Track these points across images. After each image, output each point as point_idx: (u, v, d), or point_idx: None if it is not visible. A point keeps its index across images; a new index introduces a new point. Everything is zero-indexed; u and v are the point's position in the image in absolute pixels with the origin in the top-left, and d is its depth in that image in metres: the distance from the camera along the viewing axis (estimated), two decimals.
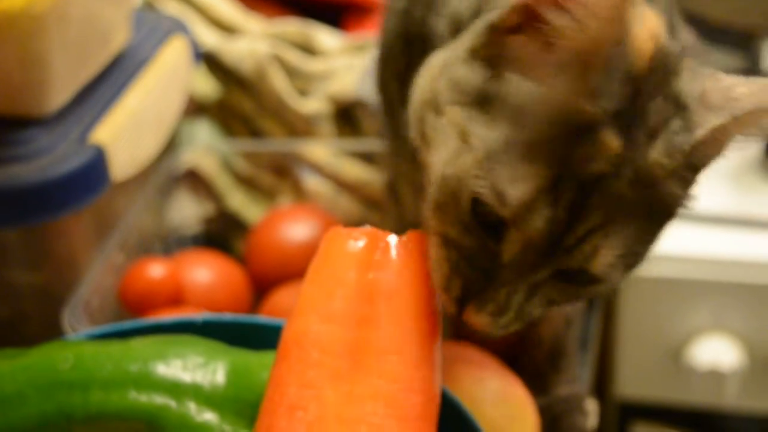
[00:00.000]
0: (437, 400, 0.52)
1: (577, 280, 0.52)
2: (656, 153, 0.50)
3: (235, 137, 1.00)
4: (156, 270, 0.81)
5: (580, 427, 0.75)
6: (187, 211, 0.95)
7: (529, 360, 0.75)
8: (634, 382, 1.12)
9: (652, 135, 0.50)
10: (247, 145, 0.98)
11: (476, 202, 0.50)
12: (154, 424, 0.56)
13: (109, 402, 0.55)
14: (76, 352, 0.57)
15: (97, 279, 0.78)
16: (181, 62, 0.90)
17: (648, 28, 0.51)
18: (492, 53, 0.52)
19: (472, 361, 0.69)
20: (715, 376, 1.02)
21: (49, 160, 0.74)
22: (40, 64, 0.74)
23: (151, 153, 0.85)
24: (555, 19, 0.49)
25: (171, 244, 0.92)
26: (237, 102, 0.98)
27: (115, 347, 0.58)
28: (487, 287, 0.51)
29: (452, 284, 0.52)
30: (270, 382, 0.51)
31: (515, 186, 0.49)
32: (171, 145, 0.93)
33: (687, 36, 0.81)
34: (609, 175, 0.49)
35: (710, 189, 0.97)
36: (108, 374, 0.56)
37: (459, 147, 0.51)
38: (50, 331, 0.72)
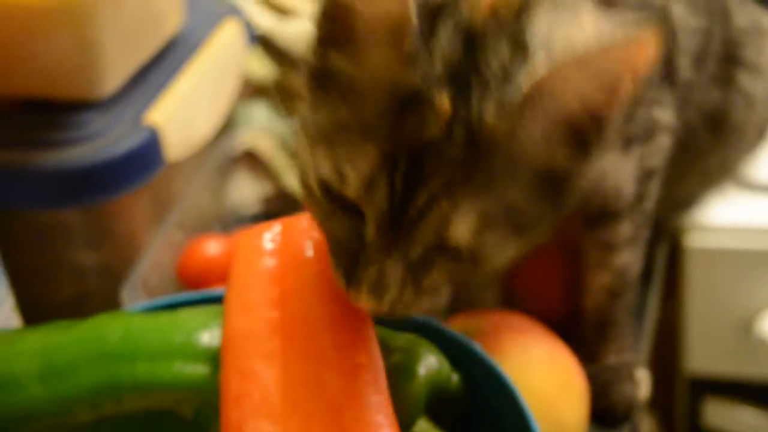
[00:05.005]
0: (367, 342, 0.54)
1: (458, 255, 0.50)
2: (488, 113, 0.46)
3: (292, 117, 1.02)
4: (213, 247, 0.83)
5: (629, 396, 0.74)
6: (245, 191, 0.97)
7: (578, 330, 0.75)
8: (705, 357, 1.11)
9: (488, 91, 0.46)
10: None
11: (325, 186, 0.50)
12: (199, 393, 0.57)
13: (155, 372, 0.57)
14: (125, 325, 0.59)
15: (155, 256, 0.80)
16: (235, 45, 0.92)
17: None
18: (321, 35, 0.51)
19: (518, 328, 0.69)
20: None
21: (104, 141, 0.76)
22: (95, 48, 0.76)
23: (206, 134, 0.87)
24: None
25: (230, 223, 0.94)
26: (292, 82, 0.99)
27: (163, 319, 0.59)
28: (355, 269, 0.50)
29: (337, 270, 0.52)
30: (220, 381, 0.54)
31: (354, 164, 0.48)
32: (228, 126, 0.95)
33: (743, 18, 0.80)
34: (440, 139, 0.46)
35: None
36: (154, 345, 0.57)
37: (301, 134, 0.52)
38: (111, 308, 0.74)
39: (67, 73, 0.77)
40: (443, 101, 0.46)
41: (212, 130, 0.88)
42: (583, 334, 0.75)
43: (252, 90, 1.02)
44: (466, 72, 0.47)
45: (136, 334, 0.58)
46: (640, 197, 0.72)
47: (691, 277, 1.06)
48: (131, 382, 0.57)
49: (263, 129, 0.99)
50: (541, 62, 0.46)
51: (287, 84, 1.01)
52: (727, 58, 0.78)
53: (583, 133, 0.49)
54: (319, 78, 0.50)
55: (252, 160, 0.97)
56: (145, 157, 0.77)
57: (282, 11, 1.03)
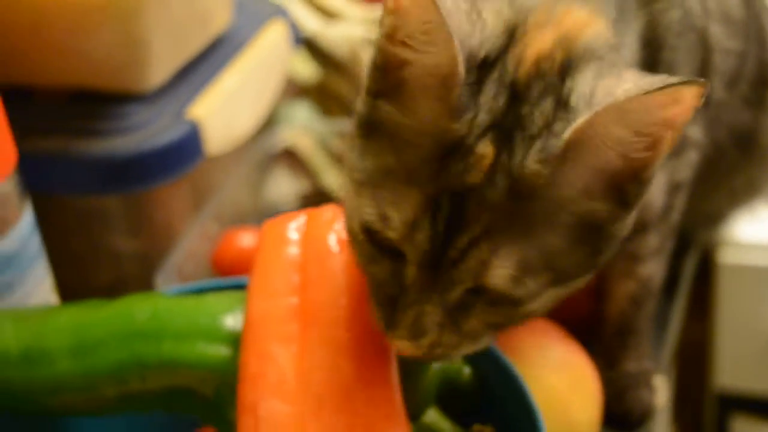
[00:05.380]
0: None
1: (496, 300, 0.51)
2: (530, 159, 0.47)
3: (332, 118, 1.04)
4: (247, 239, 0.85)
5: (646, 402, 0.75)
6: (283, 187, 0.99)
7: (597, 335, 0.76)
8: (734, 373, 1.11)
9: (531, 141, 0.48)
10: (343, 125, 1.01)
11: (368, 230, 0.51)
12: (220, 373, 0.60)
13: (180, 352, 0.59)
14: (153, 305, 0.61)
15: (191, 246, 0.82)
16: (280, 45, 0.94)
17: (533, 35, 0.50)
18: (372, 87, 0.52)
19: (534, 328, 0.70)
20: None
21: (147, 133, 0.78)
22: (141, 44, 0.79)
23: (247, 130, 0.89)
24: (390, 49, 0.49)
25: (266, 218, 0.95)
26: (334, 84, 1.02)
27: (189, 302, 0.61)
28: (394, 311, 0.52)
29: (377, 312, 0.53)
30: (239, 361, 0.57)
31: (397, 207, 0.49)
32: (270, 124, 0.97)
33: None
34: (483, 185, 0.48)
35: None
36: (180, 326, 0.59)
37: (348, 179, 0.53)
38: None
39: (113, 67, 0.80)
40: (486, 148, 0.48)
41: (254, 126, 0.91)
42: (603, 339, 0.76)
43: (296, 90, 1.05)
44: (510, 124, 0.48)
45: (164, 315, 0.60)
46: (667, 209, 0.73)
47: (723, 293, 1.06)
48: (156, 360, 0.59)
49: (304, 128, 1.01)
50: (582, 114, 0.47)
51: (329, 86, 1.03)
52: (761, 81, 0.78)
53: (623, 186, 0.50)
54: (367, 126, 0.52)
55: (291, 157, 0.99)
56: (186, 149, 0.80)
57: (328, 14, 1.06)
